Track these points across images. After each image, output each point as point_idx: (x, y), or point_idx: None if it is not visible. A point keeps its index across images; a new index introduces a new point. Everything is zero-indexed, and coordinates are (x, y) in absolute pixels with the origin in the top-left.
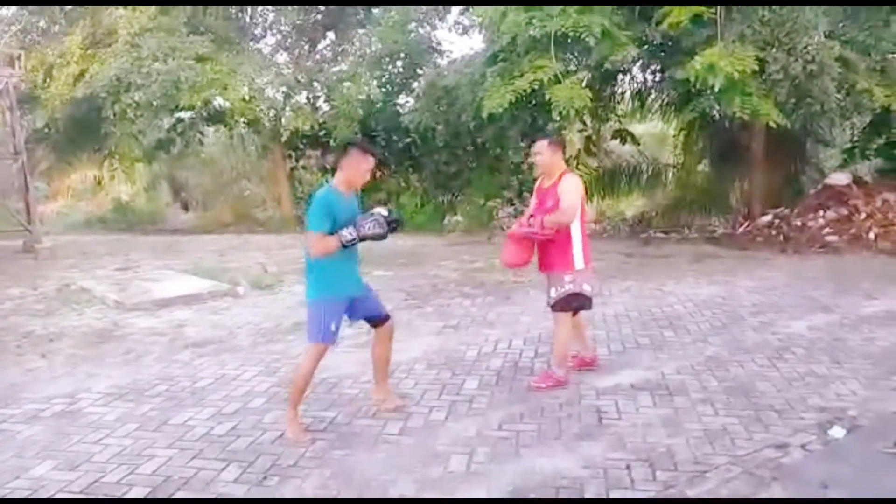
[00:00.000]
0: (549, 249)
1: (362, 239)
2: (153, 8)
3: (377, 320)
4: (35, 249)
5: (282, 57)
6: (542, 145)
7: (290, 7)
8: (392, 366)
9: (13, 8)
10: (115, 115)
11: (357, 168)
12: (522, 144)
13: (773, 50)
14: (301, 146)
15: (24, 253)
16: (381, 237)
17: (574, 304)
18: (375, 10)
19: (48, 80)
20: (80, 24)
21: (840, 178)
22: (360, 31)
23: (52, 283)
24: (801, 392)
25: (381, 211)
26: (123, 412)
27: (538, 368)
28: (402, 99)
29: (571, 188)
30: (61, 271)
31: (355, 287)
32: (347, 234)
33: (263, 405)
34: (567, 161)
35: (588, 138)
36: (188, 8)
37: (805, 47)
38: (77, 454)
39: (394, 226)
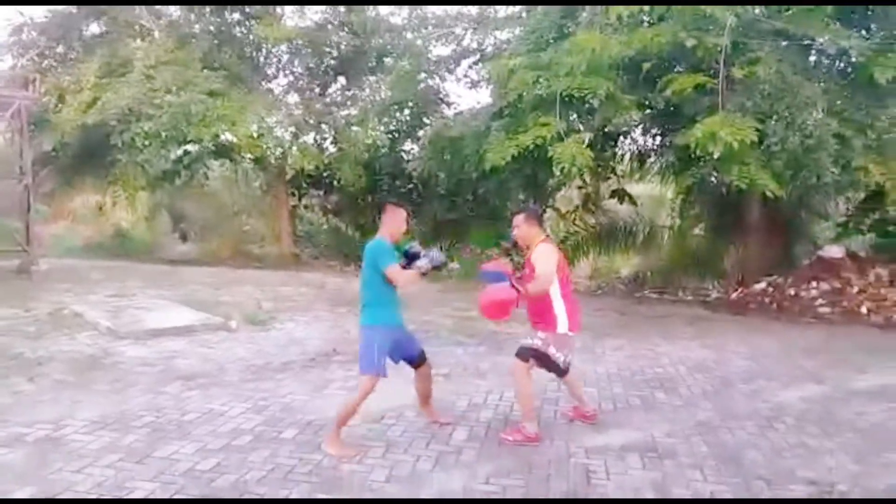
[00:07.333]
0: (534, 310)
1: (434, 268)
2: (170, 41)
3: (416, 360)
4: (30, 271)
5: (292, 98)
6: (519, 219)
7: (303, 50)
8: (380, 412)
9: (33, 32)
10: (123, 143)
11: (396, 220)
12: (522, 197)
13: (773, 122)
14: (305, 185)
15: (18, 274)
16: (443, 265)
17: (537, 362)
18: (387, 60)
19: (60, 104)
20: (98, 53)
21: (834, 251)
22: (371, 78)
23: (45, 305)
24: (791, 463)
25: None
26: (107, 442)
27: None
28: (407, 146)
29: (542, 256)
30: (55, 294)
31: (400, 319)
32: (424, 265)
33: (249, 443)
34: (564, 216)
35: (587, 196)
36: (204, 44)
37: (804, 122)
38: (57, 482)
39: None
